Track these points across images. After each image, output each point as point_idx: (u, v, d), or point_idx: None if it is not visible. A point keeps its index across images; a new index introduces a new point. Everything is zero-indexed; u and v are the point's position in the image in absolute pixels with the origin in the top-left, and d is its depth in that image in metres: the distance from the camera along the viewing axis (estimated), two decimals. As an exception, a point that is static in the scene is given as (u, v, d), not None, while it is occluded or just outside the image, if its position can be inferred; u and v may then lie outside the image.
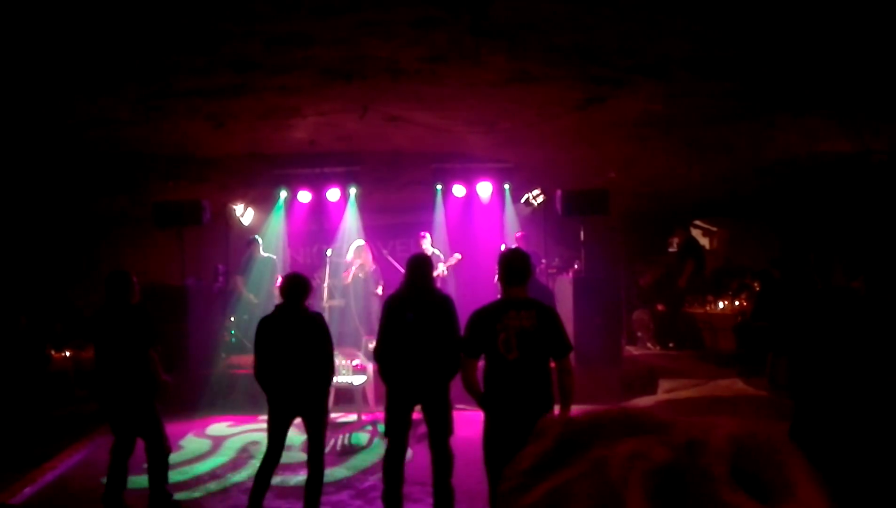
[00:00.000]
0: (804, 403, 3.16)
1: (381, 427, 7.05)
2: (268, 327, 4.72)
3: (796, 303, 3.26)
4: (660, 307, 12.10)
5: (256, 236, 10.12)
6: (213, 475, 5.87)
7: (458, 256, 9.79)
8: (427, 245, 9.60)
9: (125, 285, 4.94)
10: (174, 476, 5.69)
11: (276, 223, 10.56)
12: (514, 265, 4.11)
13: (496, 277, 4.22)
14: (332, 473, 5.79)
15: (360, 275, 9.53)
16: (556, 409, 3.98)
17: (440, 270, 9.29)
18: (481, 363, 4.10)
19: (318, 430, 4.70)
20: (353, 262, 9.56)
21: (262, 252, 10.01)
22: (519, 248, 7.88)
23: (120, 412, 4.89)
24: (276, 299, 9.49)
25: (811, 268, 4.83)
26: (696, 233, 15.35)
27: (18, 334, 8.68)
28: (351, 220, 10.46)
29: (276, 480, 5.37)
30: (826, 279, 3.19)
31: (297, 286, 4.77)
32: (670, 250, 12.26)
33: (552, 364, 4.03)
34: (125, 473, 4.93)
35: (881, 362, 2.97)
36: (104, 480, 4.90)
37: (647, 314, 12.11)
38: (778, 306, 9.44)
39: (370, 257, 9.64)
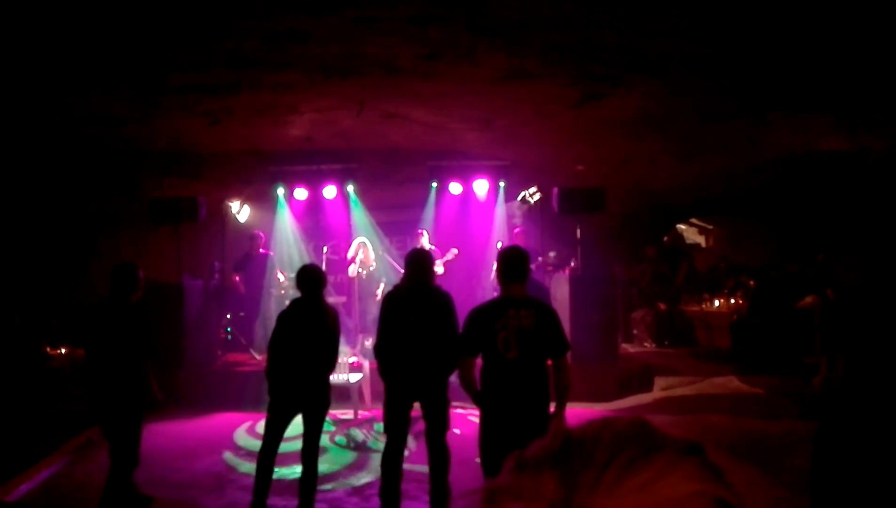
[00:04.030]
0: (858, 402, 3.16)
1: (378, 426, 7.07)
2: (287, 321, 4.60)
3: (859, 300, 3.24)
4: (662, 307, 12.13)
5: (258, 232, 10.05)
6: (211, 472, 5.85)
7: (454, 250, 9.75)
8: (425, 242, 9.54)
9: (129, 279, 4.67)
10: (171, 474, 5.70)
11: (279, 220, 10.57)
12: (514, 263, 4.09)
13: (493, 274, 4.21)
14: (329, 470, 5.79)
15: (362, 272, 9.46)
16: (552, 407, 3.98)
17: (437, 265, 9.23)
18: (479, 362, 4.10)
19: (317, 426, 4.65)
20: (353, 259, 9.50)
21: (259, 249, 9.99)
22: (518, 245, 7.87)
23: (105, 412, 4.61)
24: (270, 295, 9.63)
25: (829, 267, 4.80)
26: (692, 231, 15.38)
27: (14, 331, 8.64)
28: (351, 217, 10.46)
29: (275, 476, 5.38)
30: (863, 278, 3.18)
31: (315, 278, 4.65)
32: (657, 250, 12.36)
33: (549, 363, 4.03)
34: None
35: None
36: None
37: (648, 314, 12.14)
38: (778, 305, 9.47)
39: (370, 255, 9.59)
